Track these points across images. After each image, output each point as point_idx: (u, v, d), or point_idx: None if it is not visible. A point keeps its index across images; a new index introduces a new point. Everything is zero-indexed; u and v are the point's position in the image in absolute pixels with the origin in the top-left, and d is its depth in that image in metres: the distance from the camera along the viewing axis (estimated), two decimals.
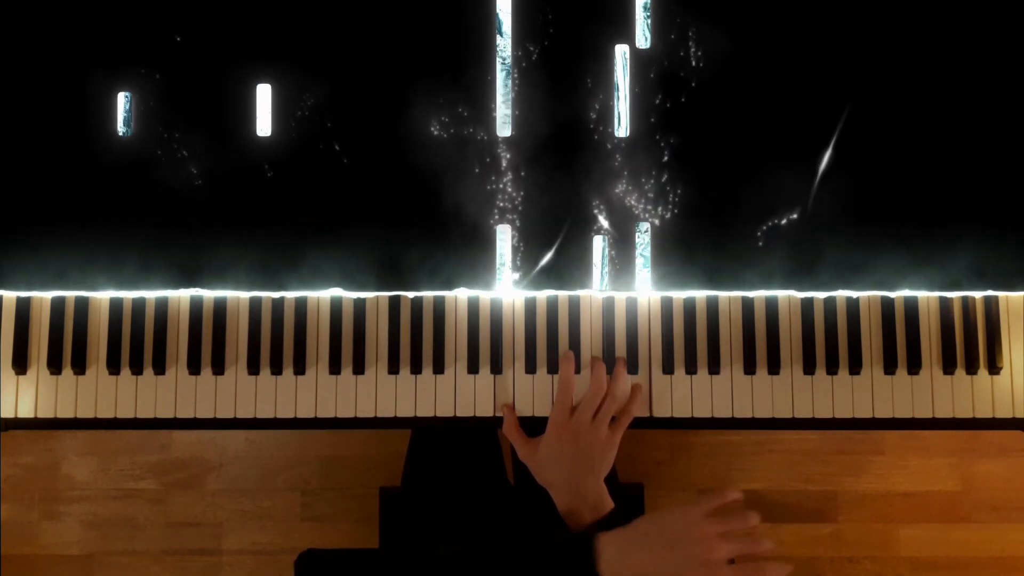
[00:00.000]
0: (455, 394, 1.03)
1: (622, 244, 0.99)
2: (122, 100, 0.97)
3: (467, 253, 0.99)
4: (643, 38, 0.99)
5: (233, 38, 0.99)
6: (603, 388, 0.99)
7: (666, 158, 0.99)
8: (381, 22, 1.00)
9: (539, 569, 0.87)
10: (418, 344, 1.03)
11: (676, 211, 0.99)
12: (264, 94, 0.99)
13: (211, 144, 0.99)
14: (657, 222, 0.99)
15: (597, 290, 1.00)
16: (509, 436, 1.02)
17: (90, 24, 0.99)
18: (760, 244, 0.99)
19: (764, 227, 0.99)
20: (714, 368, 1.03)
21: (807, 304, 1.03)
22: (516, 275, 1.00)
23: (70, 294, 1.01)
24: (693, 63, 0.99)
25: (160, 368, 1.02)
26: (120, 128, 0.98)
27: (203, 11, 0.99)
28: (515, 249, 0.99)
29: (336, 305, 1.03)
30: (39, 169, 0.99)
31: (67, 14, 0.99)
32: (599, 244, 0.99)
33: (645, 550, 0.86)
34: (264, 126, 0.99)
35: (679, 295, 1.03)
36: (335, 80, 1.00)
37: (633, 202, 0.99)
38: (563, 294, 1.02)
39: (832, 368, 1.03)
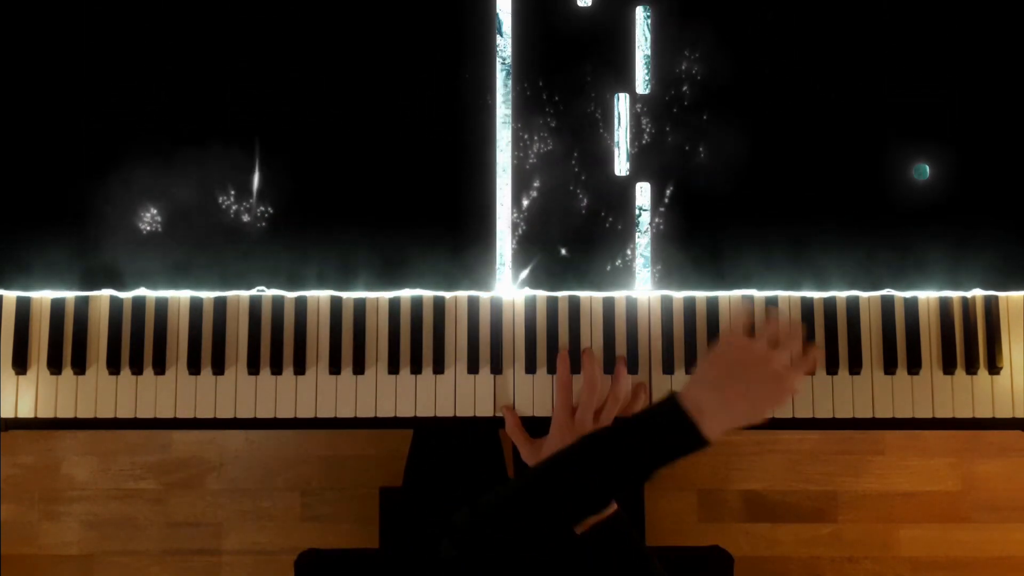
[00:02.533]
0: (455, 394, 1.03)
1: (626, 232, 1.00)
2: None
3: (468, 253, 0.99)
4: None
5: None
6: (595, 384, 0.99)
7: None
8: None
9: (650, 459, 0.85)
10: (418, 344, 1.03)
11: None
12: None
13: None
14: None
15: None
16: (513, 437, 1.02)
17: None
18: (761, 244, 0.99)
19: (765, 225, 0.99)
20: None
21: (807, 304, 1.03)
22: (517, 270, 1.00)
23: (70, 294, 1.01)
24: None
25: (160, 368, 1.02)
26: None
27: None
28: (514, 248, 0.99)
29: (336, 305, 1.03)
30: None
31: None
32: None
33: (723, 391, 0.86)
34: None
35: (679, 295, 1.03)
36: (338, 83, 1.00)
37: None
38: (563, 294, 1.02)
39: (832, 368, 1.03)
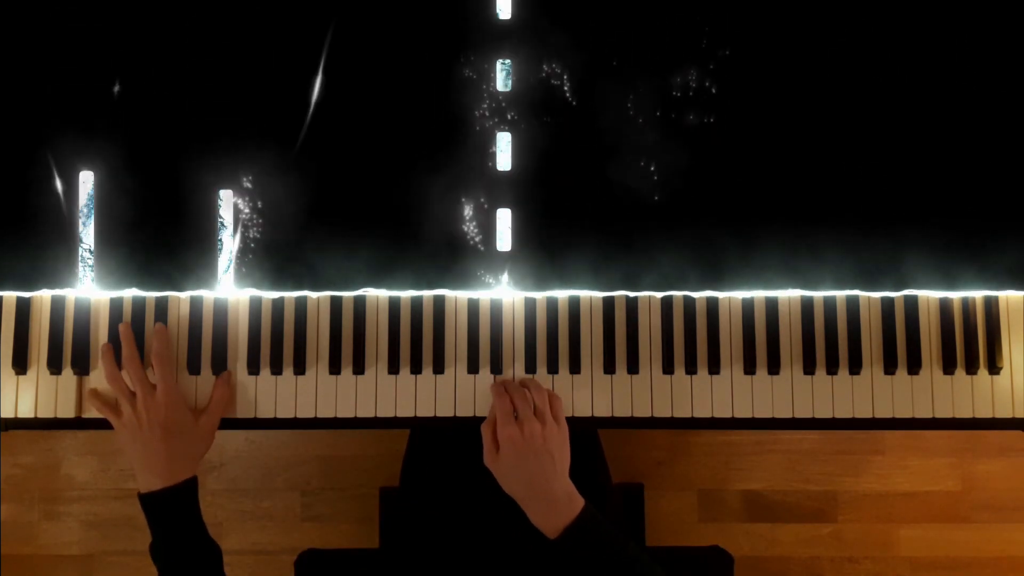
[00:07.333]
0: (455, 394, 1.03)
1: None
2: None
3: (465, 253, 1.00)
4: None
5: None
6: (506, 396, 0.97)
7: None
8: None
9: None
10: (418, 344, 1.03)
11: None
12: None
13: None
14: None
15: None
16: (484, 433, 0.99)
17: None
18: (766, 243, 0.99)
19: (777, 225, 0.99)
20: (714, 368, 1.03)
21: (807, 304, 1.03)
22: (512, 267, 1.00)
23: (70, 294, 1.01)
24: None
25: None
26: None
27: None
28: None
29: (336, 305, 1.03)
30: None
31: None
32: None
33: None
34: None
35: (679, 295, 1.03)
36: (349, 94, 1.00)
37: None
38: (563, 294, 1.02)
39: (832, 368, 1.03)
